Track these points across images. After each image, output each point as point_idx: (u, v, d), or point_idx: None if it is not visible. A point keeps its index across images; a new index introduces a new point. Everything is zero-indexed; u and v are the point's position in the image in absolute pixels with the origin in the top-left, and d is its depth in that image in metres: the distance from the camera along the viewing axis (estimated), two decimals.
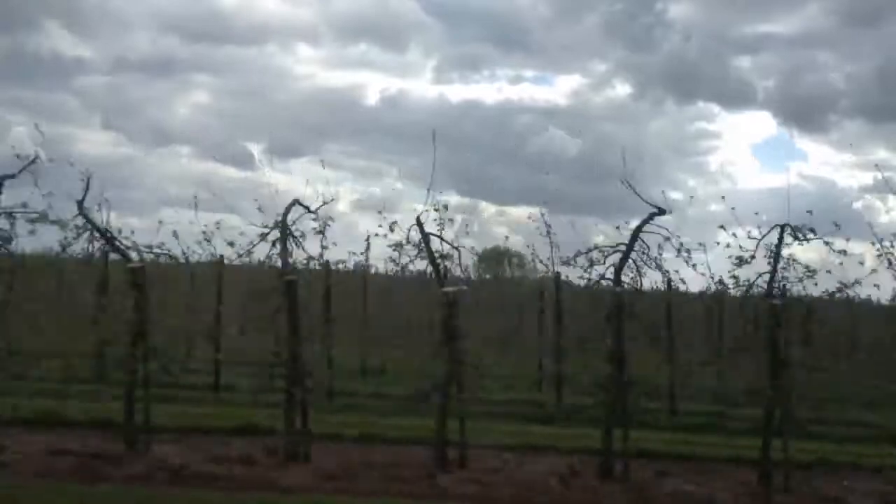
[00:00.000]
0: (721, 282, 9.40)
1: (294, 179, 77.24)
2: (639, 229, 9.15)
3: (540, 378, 15.85)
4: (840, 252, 8.82)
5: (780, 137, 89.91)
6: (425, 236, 9.37)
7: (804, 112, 79.17)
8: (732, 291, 9.52)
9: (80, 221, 9.43)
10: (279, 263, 9.32)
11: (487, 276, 28.04)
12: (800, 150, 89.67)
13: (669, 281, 9.90)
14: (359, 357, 17.01)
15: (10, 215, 9.02)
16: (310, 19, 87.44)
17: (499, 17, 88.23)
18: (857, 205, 71.12)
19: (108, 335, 10.29)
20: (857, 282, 9.04)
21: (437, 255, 9.36)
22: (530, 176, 70.98)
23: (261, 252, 9.57)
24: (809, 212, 9.14)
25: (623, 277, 9.08)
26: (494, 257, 29.66)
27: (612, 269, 9.11)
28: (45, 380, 13.29)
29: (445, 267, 9.42)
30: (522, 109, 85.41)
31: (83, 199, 9.35)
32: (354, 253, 11.77)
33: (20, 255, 9.58)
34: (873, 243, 9.01)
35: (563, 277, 14.22)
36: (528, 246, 14.11)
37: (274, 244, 9.39)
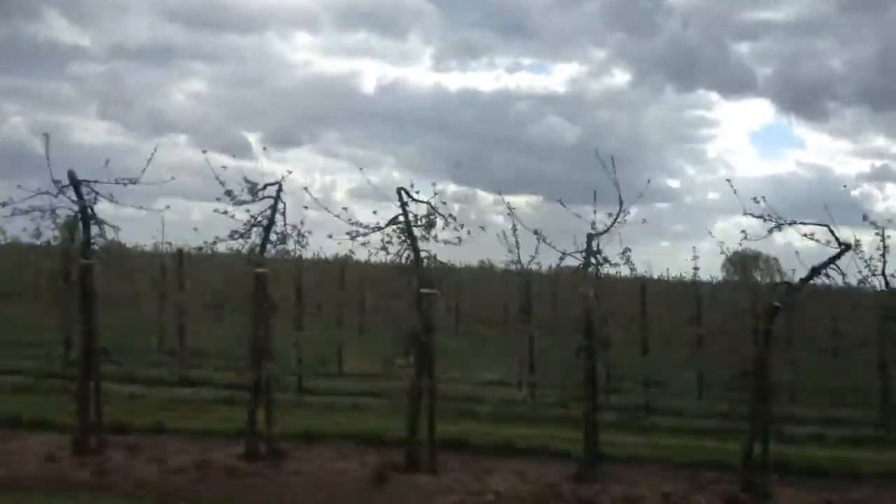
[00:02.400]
0: None
1: (291, 168, 77.17)
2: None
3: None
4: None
5: (778, 125, 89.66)
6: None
7: (803, 99, 78.56)
8: None
9: None
10: None
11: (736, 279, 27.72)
12: (797, 138, 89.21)
13: None
14: None
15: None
16: (309, 6, 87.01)
17: (498, 3, 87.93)
18: (855, 193, 71.29)
19: None
20: None
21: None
22: (528, 163, 70.88)
23: None
24: None
25: None
26: (742, 261, 29.29)
27: None
28: None
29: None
30: (520, 97, 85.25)
31: None
32: None
33: None
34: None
35: None
36: None
37: None
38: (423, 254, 8.93)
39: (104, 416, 9.15)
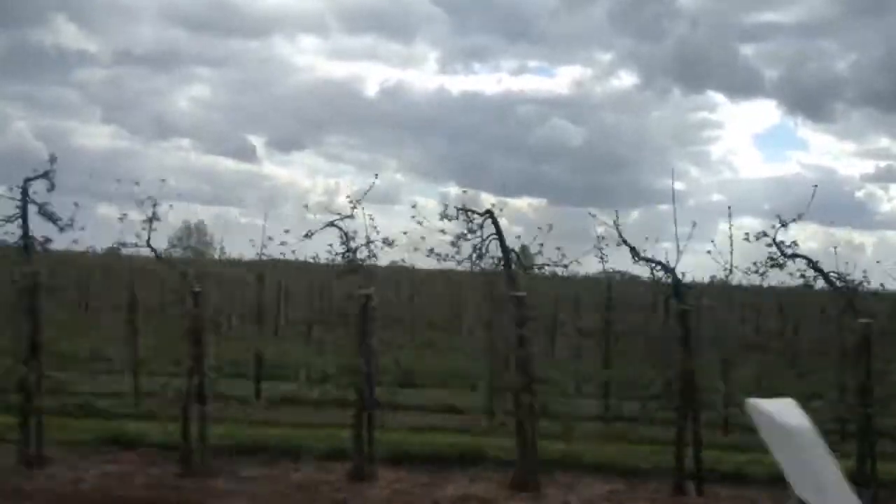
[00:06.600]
0: None
1: (294, 172, 77.67)
2: None
3: None
4: None
5: (782, 126, 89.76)
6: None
7: (810, 101, 78.71)
8: None
9: None
10: None
11: None
12: (801, 139, 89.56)
13: None
14: None
15: None
16: (317, 9, 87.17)
17: (505, 6, 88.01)
18: (860, 194, 71.18)
19: None
20: None
21: None
22: (532, 166, 70.89)
23: None
24: None
25: None
26: None
27: None
28: None
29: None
30: (525, 100, 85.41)
31: None
32: None
33: None
34: None
35: None
36: None
37: None
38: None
39: None
